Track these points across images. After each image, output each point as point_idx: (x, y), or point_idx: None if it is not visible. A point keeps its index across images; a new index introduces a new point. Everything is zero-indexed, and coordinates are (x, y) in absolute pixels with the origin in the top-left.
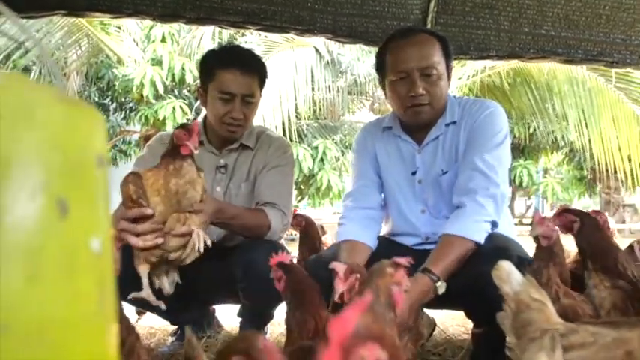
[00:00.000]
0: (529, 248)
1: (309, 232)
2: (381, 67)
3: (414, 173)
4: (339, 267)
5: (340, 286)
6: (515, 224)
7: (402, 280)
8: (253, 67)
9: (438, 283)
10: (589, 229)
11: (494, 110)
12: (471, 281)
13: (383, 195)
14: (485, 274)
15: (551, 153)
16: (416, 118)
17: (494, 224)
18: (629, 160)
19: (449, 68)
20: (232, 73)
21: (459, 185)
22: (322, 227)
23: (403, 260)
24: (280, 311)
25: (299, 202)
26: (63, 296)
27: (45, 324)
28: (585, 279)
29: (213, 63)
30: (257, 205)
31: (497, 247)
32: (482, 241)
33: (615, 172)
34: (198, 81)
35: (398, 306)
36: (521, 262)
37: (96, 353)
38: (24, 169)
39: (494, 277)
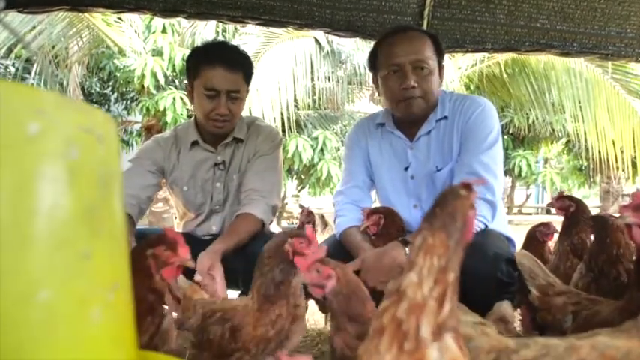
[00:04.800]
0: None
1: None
2: (373, 64)
3: (406, 169)
4: (365, 210)
5: (365, 222)
6: (515, 213)
7: (474, 204)
8: (238, 63)
9: (407, 249)
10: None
11: (486, 107)
12: None
13: (374, 192)
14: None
15: (551, 143)
16: (408, 110)
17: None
18: (622, 152)
19: (440, 66)
20: (216, 69)
21: None
22: (323, 217)
23: (473, 182)
24: None
25: (299, 191)
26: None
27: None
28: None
29: (198, 60)
30: (244, 192)
31: (474, 243)
32: None
33: (608, 163)
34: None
35: (469, 234)
36: (498, 258)
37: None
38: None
39: None
